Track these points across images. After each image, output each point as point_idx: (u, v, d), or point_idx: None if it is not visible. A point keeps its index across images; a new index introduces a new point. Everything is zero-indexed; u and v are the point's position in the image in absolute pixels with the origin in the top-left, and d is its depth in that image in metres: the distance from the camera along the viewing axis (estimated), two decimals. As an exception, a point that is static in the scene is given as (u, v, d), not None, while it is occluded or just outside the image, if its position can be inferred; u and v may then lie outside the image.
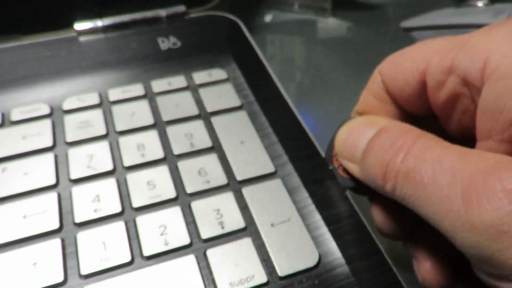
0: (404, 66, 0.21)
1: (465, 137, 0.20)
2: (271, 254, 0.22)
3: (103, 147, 0.26)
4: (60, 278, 0.20)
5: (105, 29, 0.35)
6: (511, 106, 0.16)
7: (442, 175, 0.16)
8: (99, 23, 0.35)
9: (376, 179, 0.19)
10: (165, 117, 0.28)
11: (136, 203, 0.23)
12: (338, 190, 0.24)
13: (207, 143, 0.27)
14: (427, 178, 0.16)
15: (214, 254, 0.21)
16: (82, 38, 0.34)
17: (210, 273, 0.21)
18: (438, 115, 0.21)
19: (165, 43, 0.34)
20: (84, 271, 0.20)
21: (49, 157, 0.25)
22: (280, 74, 0.32)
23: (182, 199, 0.24)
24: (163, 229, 0.22)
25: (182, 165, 0.25)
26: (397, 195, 0.18)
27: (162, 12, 0.36)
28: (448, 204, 0.16)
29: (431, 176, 0.16)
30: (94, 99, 0.29)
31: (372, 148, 0.19)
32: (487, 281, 0.16)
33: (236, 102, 0.30)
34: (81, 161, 0.25)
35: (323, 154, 0.26)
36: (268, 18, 0.50)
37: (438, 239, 0.19)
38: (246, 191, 0.24)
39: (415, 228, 0.21)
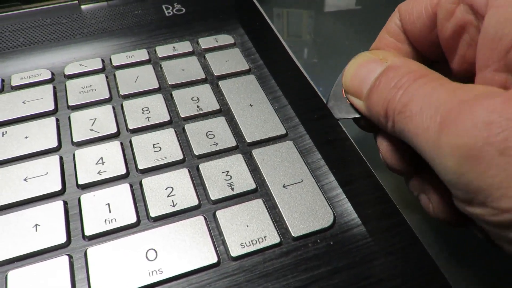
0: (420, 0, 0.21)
1: (471, 77, 0.20)
2: (283, 215, 0.20)
3: (106, 110, 0.25)
4: (62, 239, 0.19)
5: (107, -4, 0.34)
6: (509, 33, 0.16)
7: (428, 109, 0.16)
8: (101, -10, 0.34)
9: (379, 116, 0.20)
10: (171, 81, 0.27)
11: (141, 165, 0.22)
12: (351, 150, 0.23)
13: (215, 106, 0.26)
14: (415, 112, 0.17)
15: (224, 215, 0.20)
16: (84, 6, 0.33)
17: (220, 234, 0.20)
18: (446, 52, 0.21)
19: (169, 10, 0.33)
20: (88, 232, 0.19)
21: (50, 121, 0.24)
22: (287, 44, 0.30)
23: (190, 161, 0.23)
24: (170, 190, 0.21)
25: (189, 127, 0.24)
26: (396, 132, 0.19)
27: (166, -21, 0.35)
28: (427, 133, 0.16)
29: (418, 110, 0.17)
30: (96, 64, 0.28)
31: (378, 86, 0.20)
32: (461, 208, 0.17)
33: (244, 66, 0.29)
34: (84, 124, 0.24)
35: (335, 116, 0.25)
36: (274, -10, 0.48)
37: None
38: (256, 153, 0.23)
39: (421, 165, 0.21)
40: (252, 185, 0.22)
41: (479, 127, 0.14)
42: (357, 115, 0.23)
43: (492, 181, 0.14)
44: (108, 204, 0.21)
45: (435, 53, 0.22)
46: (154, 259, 0.19)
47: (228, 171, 0.22)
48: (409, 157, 0.21)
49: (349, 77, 0.22)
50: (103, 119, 0.25)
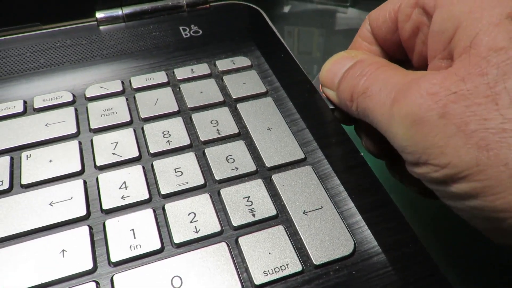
0: (385, 7, 0.24)
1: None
2: (305, 242, 0.21)
3: (128, 134, 0.26)
4: (89, 265, 0.20)
5: (125, 17, 0.34)
6: (450, 27, 0.19)
7: (385, 89, 0.20)
8: (120, 11, 0.34)
9: (346, 101, 0.23)
10: (190, 104, 0.28)
11: (164, 190, 0.23)
12: (370, 176, 0.23)
13: (234, 129, 0.26)
14: (375, 92, 0.20)
15: (246, 242, 0.21)
16: (102, 27, 0.34)
17: (243, 261, 0.20)
18: (407, 50, 0.24)
19: (186, 32, 0.34)
20: (114, 259, 0.20)
21: (73, 144, 0.25)
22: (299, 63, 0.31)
23: (211, 186, 0.23)
24: (193, 216, 0.22)
25: (209, 151, 0.25)
26: (359, 113, 0.22)
27: (183, 0, 0.36)
28: (383, 108, 0.20)
29: (377, 91, 0.20)
30: (116, 86, 0.29)
31: (346, 76, 0.23)
32: (411, 171, 0.20)
33: (262, 88, 0.29)
34: (106, 148, 0.25)
35: (353, 140, 0.25)
36: (287, 8, 0.49)
37: None
38: (276, 178, 0.23)
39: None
40: (273, 211, 0.22)
41: (424, 97, 0.18)
42: (331, 107, 0.27)
43: (433, 140, 0.17)
44: (133, 229, 0.21)
45: (399, 53, 0.25)
46: (179, 286, 0.19)
47: (249, 197, 0.23)
48: (386, 142, 0.23)
49: (325, 71, 0.25)
50: (125, 143, 0.25)
